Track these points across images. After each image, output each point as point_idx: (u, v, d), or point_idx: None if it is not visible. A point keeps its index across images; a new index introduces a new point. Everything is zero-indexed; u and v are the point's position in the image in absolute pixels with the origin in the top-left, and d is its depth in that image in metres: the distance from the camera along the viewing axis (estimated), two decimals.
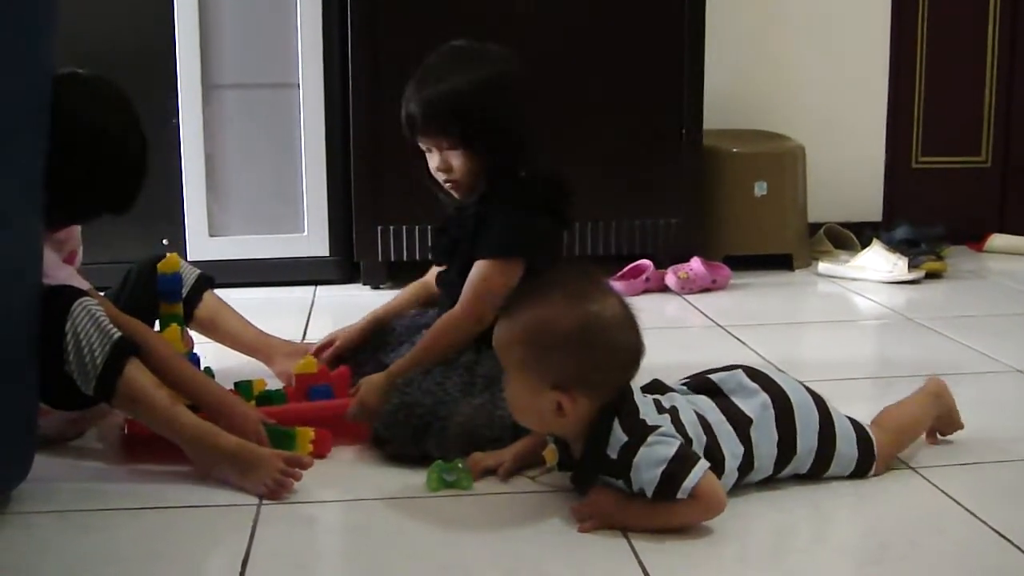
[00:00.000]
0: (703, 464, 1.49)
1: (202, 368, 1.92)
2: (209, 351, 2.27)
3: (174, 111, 3.01)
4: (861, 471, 1.71)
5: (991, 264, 3.64)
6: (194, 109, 3.03)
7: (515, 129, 1.92)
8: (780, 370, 1.77)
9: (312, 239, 3.11)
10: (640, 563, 1.45)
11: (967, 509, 1.63)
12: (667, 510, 1.50)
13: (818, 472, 1.69)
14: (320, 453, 1.81)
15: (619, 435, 1.52)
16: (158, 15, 2.99)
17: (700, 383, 1.70)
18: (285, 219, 3.07)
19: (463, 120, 1.87)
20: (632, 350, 1.55)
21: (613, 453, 1.52)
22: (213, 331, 2.23)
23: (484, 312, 1.84)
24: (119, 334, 1.69)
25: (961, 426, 1.89)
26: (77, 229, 1.98)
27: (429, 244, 2.08)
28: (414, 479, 1.73)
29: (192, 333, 2.20)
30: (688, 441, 1.54)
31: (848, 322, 2.95)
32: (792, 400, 1.66)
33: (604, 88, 3.23)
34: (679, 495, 1.48)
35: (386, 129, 3.10)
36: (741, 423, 1.62)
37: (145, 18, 2.99)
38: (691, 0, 3.22)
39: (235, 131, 3.09)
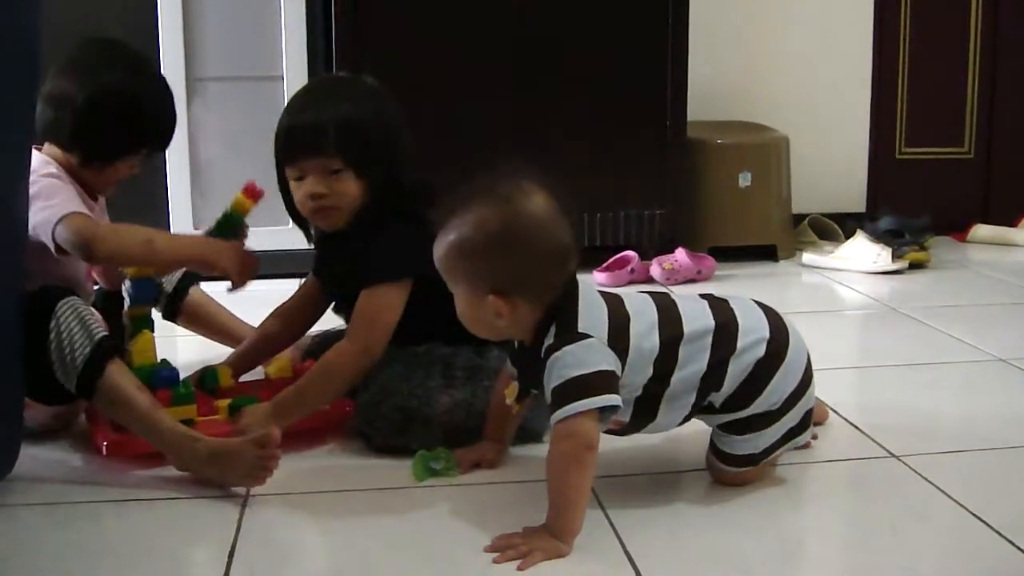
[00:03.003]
0: (594, 401, 1.46)
1: (180, 380, 1.90)
2: (195, 344, 2.27)
3: (168, 113, 2.99)
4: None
5: (974, 254, 3.66)
6: (178, 102, 3.00)
7: (397, 157, 1.87)
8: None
9: (296, 232, 3.08)
10: (625, 551, 1.46)
11: (950, 496, 1.64)
12: (554, 481, 1.49)
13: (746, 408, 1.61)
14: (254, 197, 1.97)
15: (550, 337, 1.50)
16: (141, 8, 2.98)
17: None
18: (269, 212, 3.06)
19: (366, 143, 1.82)
20: (561, 246, 1.51)
21: (542, 353, 1.51)
22: (199, 324, 2.24)
23: (373, 343, 1.81)
24: (102, 334, 1.69)
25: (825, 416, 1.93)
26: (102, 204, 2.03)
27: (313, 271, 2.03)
28: (400, 469, 1.74)
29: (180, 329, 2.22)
30: (622, 352, 1.51)
31: (832, 312, 2.96)
32: (789, 355, 1.61)
33: (588, 80, 3.23)
34: (557, 416, 1.47)
35: None
36: (722, 345, 1.58)
37: (128, 11, 2.98)
38: None
39: (219, 124, 3.09)
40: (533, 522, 1.49)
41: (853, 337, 2.79)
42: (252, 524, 1.56)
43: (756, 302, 1.67)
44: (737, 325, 1.59)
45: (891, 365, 2.35)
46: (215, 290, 2.28)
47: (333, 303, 2.01)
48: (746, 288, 3.14)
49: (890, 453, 1.81)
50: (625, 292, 1.61)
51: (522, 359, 1.59)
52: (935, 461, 1.78)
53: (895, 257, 3.30)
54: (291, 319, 2.07)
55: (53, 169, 1.86)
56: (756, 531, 1.54)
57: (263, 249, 2.02)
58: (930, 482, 1.69)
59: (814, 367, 1.65)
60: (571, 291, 1.53)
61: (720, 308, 1.61)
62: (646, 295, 1.62)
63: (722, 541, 1.51)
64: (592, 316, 1.52)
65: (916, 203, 3.71)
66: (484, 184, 1.53)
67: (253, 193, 1.99)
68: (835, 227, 3.71)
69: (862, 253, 3.33)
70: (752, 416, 1.60)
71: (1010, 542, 1.48)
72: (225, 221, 1.97)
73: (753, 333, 1.59)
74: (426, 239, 1.86)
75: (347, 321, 1.94)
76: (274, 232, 3.07)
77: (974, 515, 1.57)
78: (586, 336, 1.49)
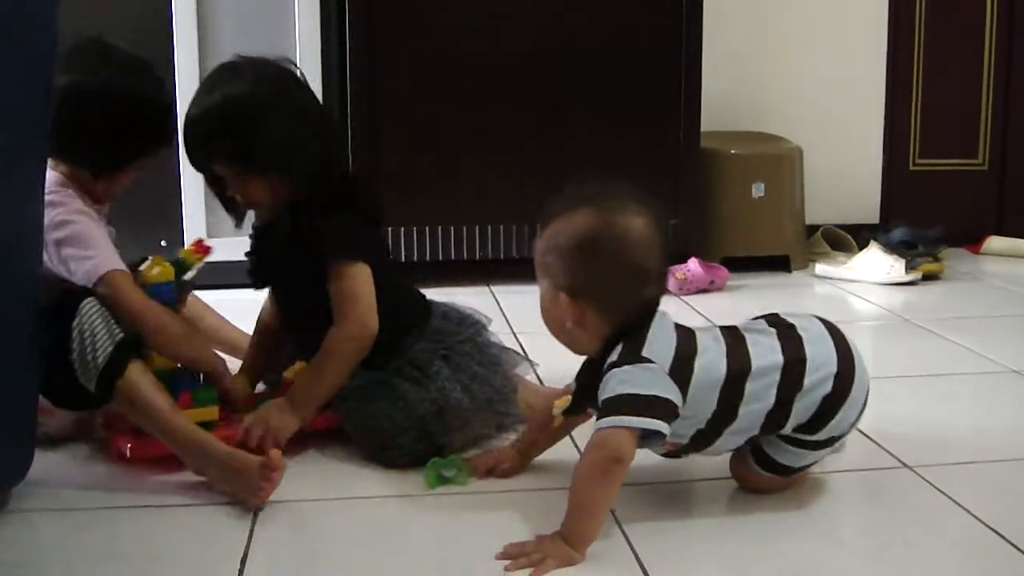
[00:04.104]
0: (638, 421, 1.46)
1: (201, 383, 1.89)
2: None
3: (171, 107, 3.00)
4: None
5: (988, 266, 3.65)
6: None
7: (297, 143, 1.83)
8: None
9: None
10: (638, 560, 1.46)
11: (964, 507, 1.63)
12: (577, 488, 1.49)
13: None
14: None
15: (615, 355, 1.52)
16: (155, 7, 2.98)
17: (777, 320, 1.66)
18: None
19: (241, 145, 1.81)
20: (640, 270, 1.52)
21: (604, 368, 1.52)
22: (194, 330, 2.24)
23: (364, 317, 1.83)
24: (123, 335, 1.70)
25: None
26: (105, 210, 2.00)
27: (246, 270, 2.00)
28: (412, 477, 1.74)
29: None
30: (683, 383, 1.50)
31: (845, 323, 2.91)
32: (854, 387, 1.60)
33: (602, 90, 3.24)
34: (599, 425, 1.48)
35: (383, 126, 3.12)
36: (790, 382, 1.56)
37: (142, 13, 2.98)
38: (689, 2, 3.23)
39: None
40: (545, 530, 1.49)
41: (866, 348, 2.75)
42: (264, 531, 1.57)
43: (823, 322, 1.66)
44: (805, 361, 1.58)
45: (904, 376, 2.34)
46: (217, 299, 2.30)
47: (271, 301, 2.04)
48: (759, 299, 3.14)
49: (903, 464, 1.81)
50: (699, 328, 1.61)
51: (585, 373, 1.60)
52: (949, 472, 1.77)
53: (908, 268, 3.30)
54: (273, 318, 2.07)
55: (78, 202, 1.83)
56: (769, 541, 1.54)
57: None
58: (944, 493, 1.69)
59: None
60: (646, 317, 1.54)
61: (789, 341, 1.60)
62: (717, 331, 1.62)
63: (735, 551, 1.51)
64: (659, 344, 1.53)
65: (930, 214, 3.71)
66: (595, 189, 1.57)
67: (201, 249, 2.00)
68: (848, 238, 3.71)
69: (875, 264, 3.33)
70: (816, 440, 1.61)
71: None
72: (177, 266, 1.96)
73: (821, 369, 1.58)
74: (369, 233, 1.91)
75: (281, 307, 1.99)
76: None
77: (988, 526, 1.57)
78: (648, 361, 1.50)
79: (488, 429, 1.88)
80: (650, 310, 1.56)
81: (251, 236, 2.02)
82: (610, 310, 1.53)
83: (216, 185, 1.92)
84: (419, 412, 1.78)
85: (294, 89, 1.89)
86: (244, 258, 2.01)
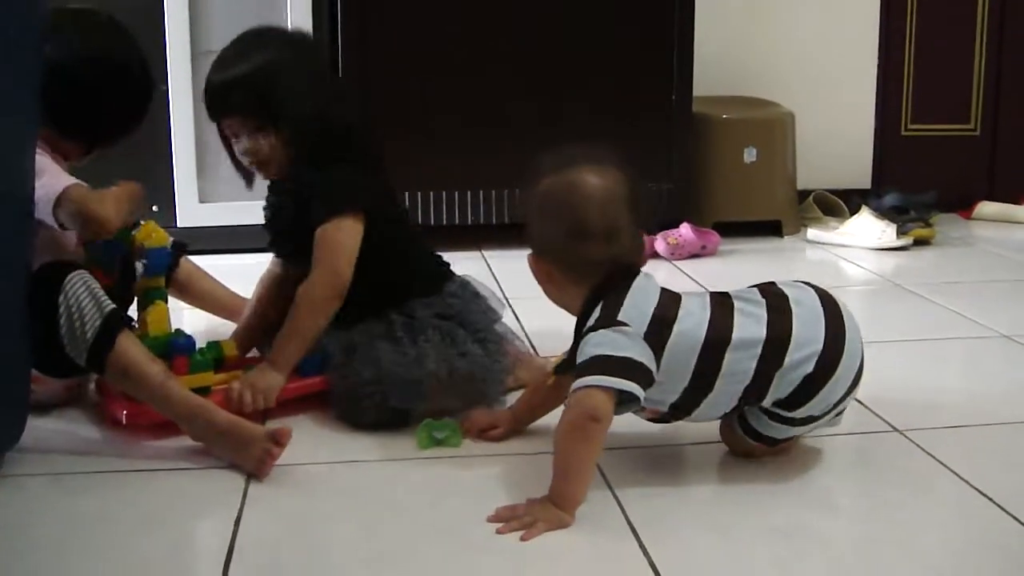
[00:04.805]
0: (612, 381, 1.46)
1: (196, 348, 1.88)
2: (185, 315, 2.29)
3: (163, 77, 2.99)
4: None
5: (979, 231, 3.66)
6: (183, 75, 3.01)
7: (313, 103, 1.89)
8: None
9: None
10: (628, 522, 1.47)
11: (953, 471, 1.64)
12: (559, 450, 1.50)
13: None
14: None
15: (591, 319, 1.53)
16: None
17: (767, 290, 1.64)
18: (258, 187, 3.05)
19: (263, 99, 1.86)
20: (581, 229, 1.53)
21: (583, 332, 1.54)
22: (189, 295, 2.24)
23: (338, 267, 1.85)
24: (112, 307, 1.68)
25: None
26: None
27: (267, 242, 2.05)
28: (404, 439, 1.74)
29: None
30: (658, 347, 1.50)
31: (837, 288, 2.91)
32: (840, 368, 1.57)
33: (594, 54, 3.22)
34: (573, 386, 1.49)
35: (375, 93, 3.11)
36: (772, 356, 1.54)
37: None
38: None
39: None
40: (536, 494, 1.50)
41: (857, 313, 2.74)
42: (258, 494, 1.57)
43: (821, 297, 1.62)
44: (790, 338, 1.54)
45: (895, 340, 2.35)
46: (209, 264, 2.30)
47: (286, 255, 2.04)
48: (751, 264, 3.15)
49: (893, 428, 1.82)
50: (688, 293, 1.60)
51: (577, 332, 1.60)
52: (938, 436, 1.78)
53: (900, 233, 3.30)
54: (278, 283, 2.06)
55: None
56: (760, 503, 1.55)
57: (247, 224, 2.02)
58: (933, 456, 1.70)
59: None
60: (623, 280, 1.54)
61: (778, 315, 1.56)
62: (707, 297, 1.60)
63: (725, 514, 1.52)
64: (637, 308, 1.52)
65: (921, 180, 3.71)
66: (562, 154, 1.58)
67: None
68: (840, 203, 3.71)
69: (867, 229, 3.33)
70: (795, 417, 1.59)
71: (1012, 516, 1.49)
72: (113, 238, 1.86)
73: (805, 347, 1.55)
74: (364, 180, 1.92)
75: (302, 275, 1.96)
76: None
77: (977, 489, 1.57)
78: (623, 324, 1.50)
79: (463, 401, 1.85)
80: (623, 271, 1.55)
81: (264, 208, 2.04)
82: (568, 269, 1.55)
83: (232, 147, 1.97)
84: (390, 374, 1.78)
85: (313, 55, 2.02)
86: (239, 223, 2.02)
